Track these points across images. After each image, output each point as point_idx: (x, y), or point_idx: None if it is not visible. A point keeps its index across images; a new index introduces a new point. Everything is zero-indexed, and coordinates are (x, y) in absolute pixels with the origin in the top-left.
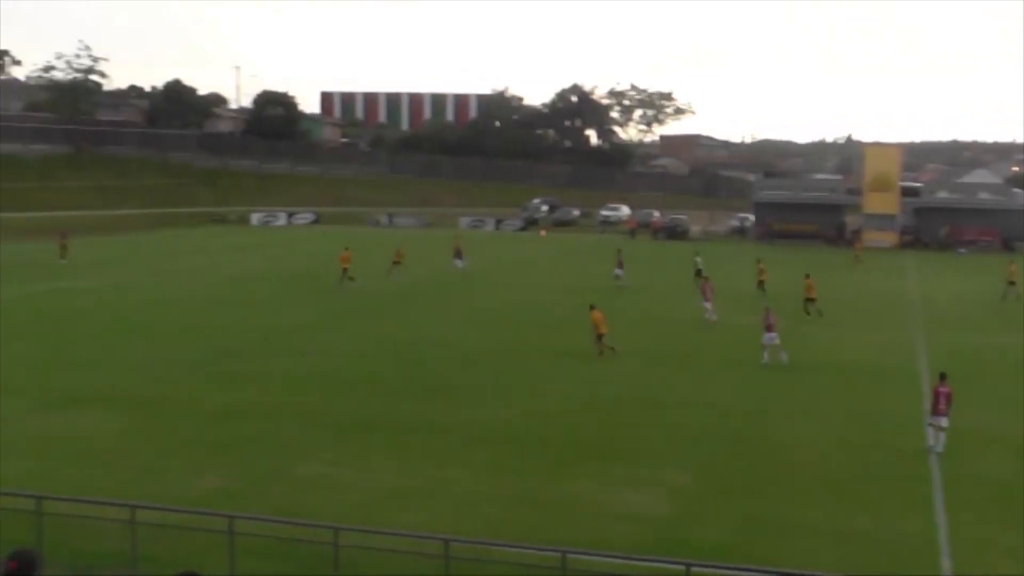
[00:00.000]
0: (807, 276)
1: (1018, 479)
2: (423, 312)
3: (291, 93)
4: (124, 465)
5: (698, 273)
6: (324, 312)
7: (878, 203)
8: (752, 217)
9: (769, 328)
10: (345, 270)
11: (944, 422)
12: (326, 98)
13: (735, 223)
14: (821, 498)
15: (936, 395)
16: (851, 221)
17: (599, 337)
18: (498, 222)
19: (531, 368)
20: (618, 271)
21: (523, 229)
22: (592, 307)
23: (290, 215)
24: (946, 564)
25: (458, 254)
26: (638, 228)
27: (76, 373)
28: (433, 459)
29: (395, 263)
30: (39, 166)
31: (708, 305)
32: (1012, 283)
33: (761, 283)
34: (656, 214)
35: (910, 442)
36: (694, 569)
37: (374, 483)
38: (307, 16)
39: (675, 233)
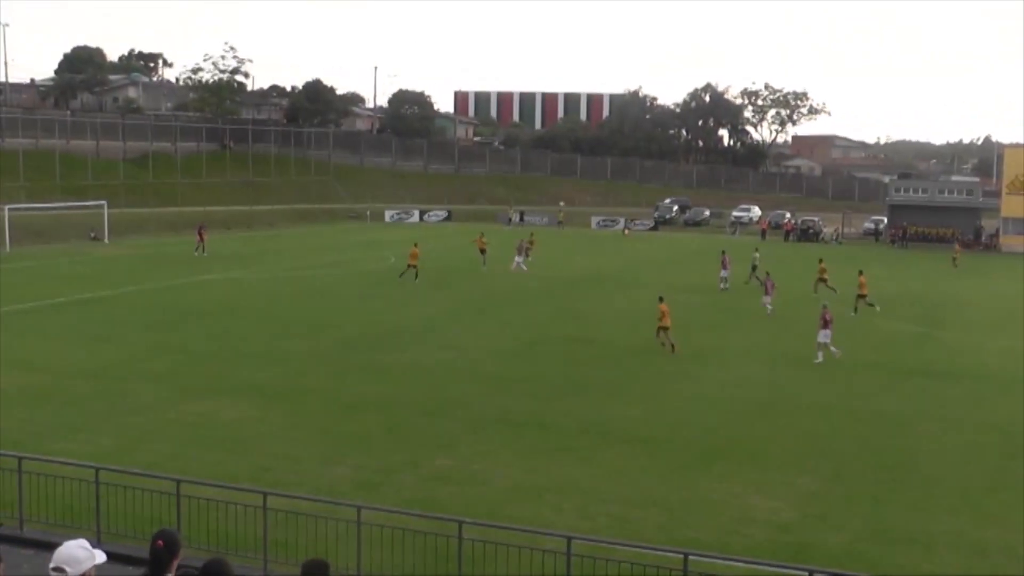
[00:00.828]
0: (860, 273)
1: None
2: (554, 309)
3: (426, 92)
4: (260, 453)
5: (753, 269)
6: (456, 307)
7: (1017, 206)
8: (886, 220)
9: (825, 325)
10: (411, 266)
11: None
12: (460, 97)
13: (869, 225)
14: (950, 508)
15: None
16: (988, 225)
17: (662, 330)
18: (628, 222)
19: (659, 368)
20: (723, 273)
21: (654, 229)
22: (660, 299)
23: (422, 212)
24: None
25: (521, 251)
26: (769, 229)
27: (217, 364)
28: (561, 456)
29: (410, 265)
30: (186, 163)
31: (767, 299)
32: None
33: (823, 281)
34: (788, 215)
35: None
36: (816, 575)
37: (501, 478)
38: (444, 15)
39: (807, 235)
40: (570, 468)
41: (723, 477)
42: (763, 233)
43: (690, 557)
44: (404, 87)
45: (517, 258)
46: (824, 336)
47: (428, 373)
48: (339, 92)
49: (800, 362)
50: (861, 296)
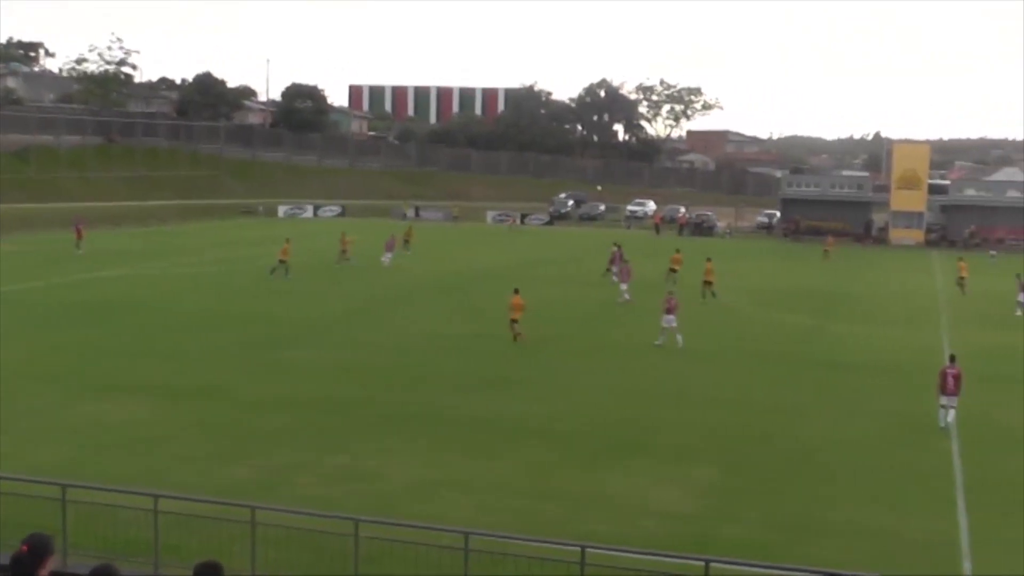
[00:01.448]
0: (708, 260)
1: None
2: (452, 304)
3: (320, 86)
4: (156, 454)
5: (611, 262)
6: (354, 303)
7: (905, 200)
8: (779, 214)
9: (669, 311)
10: (282, 262)
11: (953, 401)
12: (354, 91)
13: (762, 219)
14: (846, 497)
15: (944, 376)
16: (878, 218)
17: (513, 322)
18: (523, 216)
19: (558, 362)
20: (613, 268)
21: (549, 223)
22: (516, 291)
23: (316, 208)
24: (967, 565)
25: (391, 247)
26: (663, 223)
27: (108, 363)
28: (460, 452)
29: (281, 260)
30: (71, 157)
31: (624, 287)
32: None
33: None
34: (682, 210)
35: (935, 441)
36: (713, 565)
37: (399, 475)
38: (336, 10)
39: (701, 229)
40: (468, 464)
41: (622, 470)
42: (657, 227)
43: (588, 550)
44: (297, 80)
45: (387, 254)
46: (667, 321)
47: (327, 370)
48: (230, 85)
49: (697, 355)
50: (707, 283)
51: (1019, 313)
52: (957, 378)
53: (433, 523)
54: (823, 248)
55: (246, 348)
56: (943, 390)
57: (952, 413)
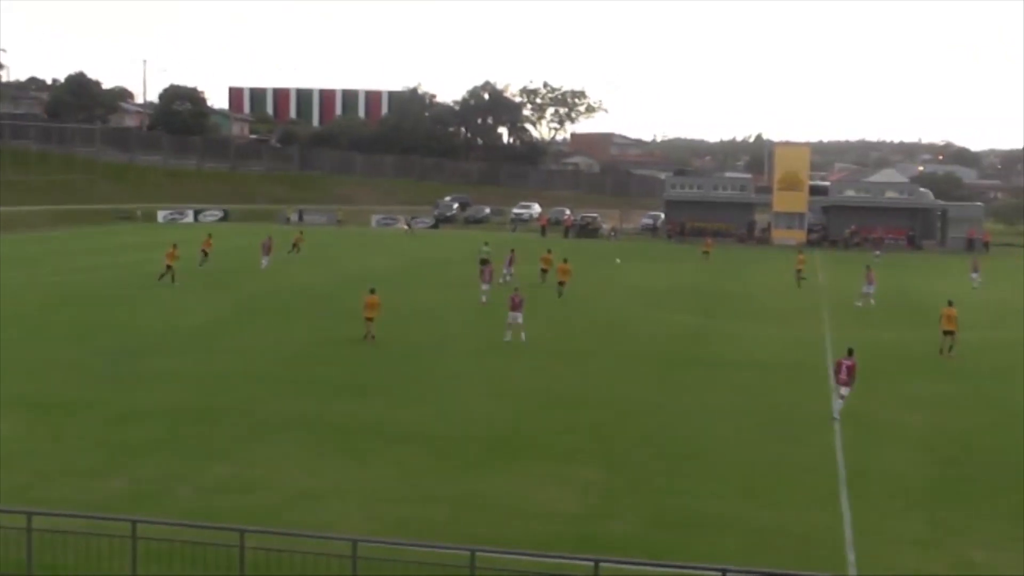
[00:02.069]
0: (565, 260)
1: (920, 472)
2: (335, 308)
3: (199, 88)
4: (24, 470)
5: (483, 262)
6: (232, 310)
7: (787, 201)
8: (663, 215)
9: (514, 308)
10: (169, 267)
11: (844, 391)
12: (235, 93)
13: (647, 221)
14: (730, 493)
15: (838, 366)
16: (761, 219)
17: (367, 320)
18: (410, 220)
19: (442, 366)
20: (506, 271)
21: (434, 227)
22: (372, 291)
23: (197, 212)
24: (850, 557)
25: (267, 250)
26: (549, 225)
27: None
28: (343, 459)
29: (168, 266)
30: None
31: (485, 287)
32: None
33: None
34: (567, 212)
35: (817, 436)
36: (603, 565)
37: (284, 484)
38: (215, 9)
39: (586, 231)
40: (355, 470)
41: (507, 472)
42: (543, 229)
43: (477, 553)
44: (176, 82)
45: (264, 258)
46: (512, 318)
47: (206, 378)
48: (105, 86)
49: (578, 355)
50: (561, 283)
51: (859, 304)
52: (851, 369)
53: (320, 531)
54: (702, 249)
55: (117, 358)
56: (837, 380)
57: (839, 404)
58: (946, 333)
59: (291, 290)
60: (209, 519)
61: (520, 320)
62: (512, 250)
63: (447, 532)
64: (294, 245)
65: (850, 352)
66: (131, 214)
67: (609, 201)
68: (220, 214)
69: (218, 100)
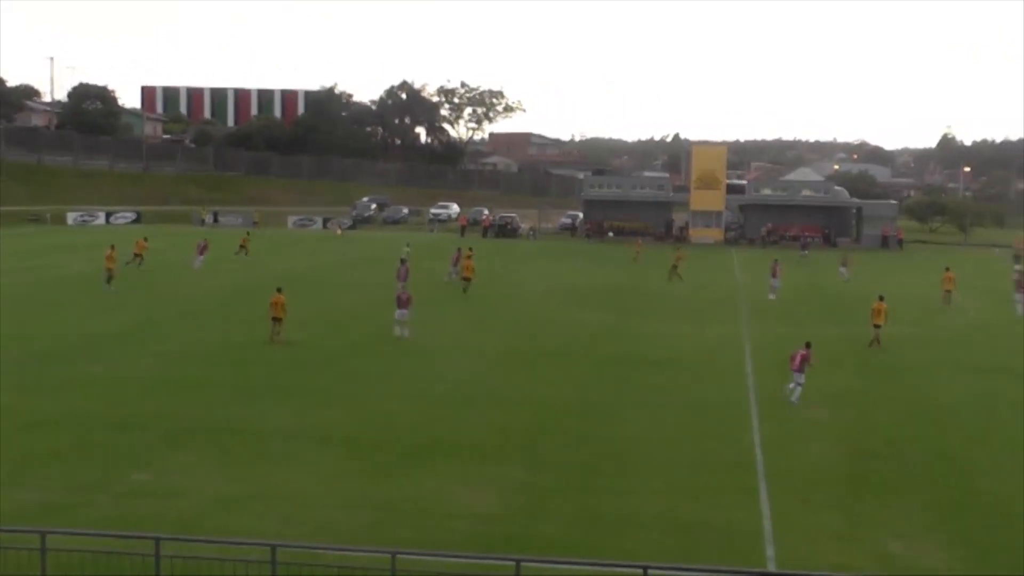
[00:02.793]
0: (470, 249)
1: (839, 467)
2: (255, 311)
3: (110, 87)
4: None
5: (402, 262)
6: (155, 312)
7: (704, 200)
8: (582, 215)
9: (401, 305)
10: (110, 269)
11: (799, 378)
12: (147, 92)
13: (566, 221)
14: (656, 490)
15: (794, 356)
16: (678, 218)
17: (274, 320)
18: (325, 221)
19: (362, 368)
20: (453, 269)
21: (352, 228)
22: (279, 290)
23: (109, 214)
24: (770, 551)
25: (202, 250)
26: (468, 225)
27: None
28: (264, 463)
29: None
30: None
31: (401, 284)
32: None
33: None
34: (486, 212)
35: (738, 432)
36: (525, 564)
37: (202, 490)
38: (127, 7)
39: (505, 231)
40: (274, 475)
41: (429, 473)
42: (462, 230)
43: (398, 556)
44: (85, 81)
45: (198, 258)
46: (400, 315)
47: (124, 384)
48: (10, 84)
49: (499, 356)
50: (466, 279)
51: (772, 297)
52: (804, 359)
53: (238, 538)
54: (632, 256)
55: (25, 365)
56: (791, 367)
57: (798, 391)
58: (876, 326)
59: (211, 293)
60: (125, 528)
61: (407, 317)
62: (459, 249)
63: (369, 536)
64: (241, 246)
65: (807, 345)
66: (40, 216)
67: (527, 201)
68: (133, 216)
69: (130, 99)
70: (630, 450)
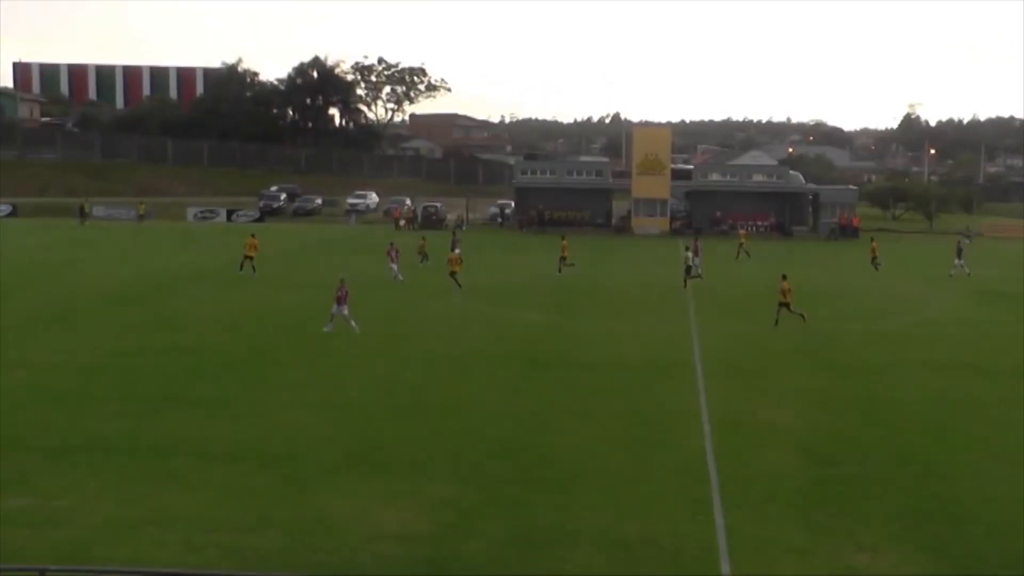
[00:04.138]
0: (391, 243)
1: (797, 474)
2: (146, 313)
3: None
4: None
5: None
6: (27, 317)
7: (648, 187)
8: (513, 204)
9: (339, 300)
10: None
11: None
12: (21, 69)
13: (494, 210)
14: (592, 504)
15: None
16: (619, 206)
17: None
18: (230, 213)
19: (268, 376)
20: (393, 267)
21: (259, 220)
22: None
23: None
24: (725, 566)
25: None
26: (401, 218)
27: None
28: (159, 483)
29: None
30: None
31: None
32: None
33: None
34: (408, 201)
35: (686, 439)
36: None
37: (90, 514)
38: None
39: (430, 222)
40: (171, 495)
41: (347, 491)
42: (396, 222)
43: None
44: None
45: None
46: (337, 310)
47: None
48: None
49: (425, 360)
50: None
51: (699, 276)
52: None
53: (134, 566)
54: (559, 257)
55: None
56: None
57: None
58: (782, 304)
59: (90, 294)
60: (4, 558)
61: (346, 312)
62: (423, 237)
63: (284, 560)
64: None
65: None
66: None
67: (453, 189)
68: (7, 209)
69: (1, 78)
70: (568, 460)
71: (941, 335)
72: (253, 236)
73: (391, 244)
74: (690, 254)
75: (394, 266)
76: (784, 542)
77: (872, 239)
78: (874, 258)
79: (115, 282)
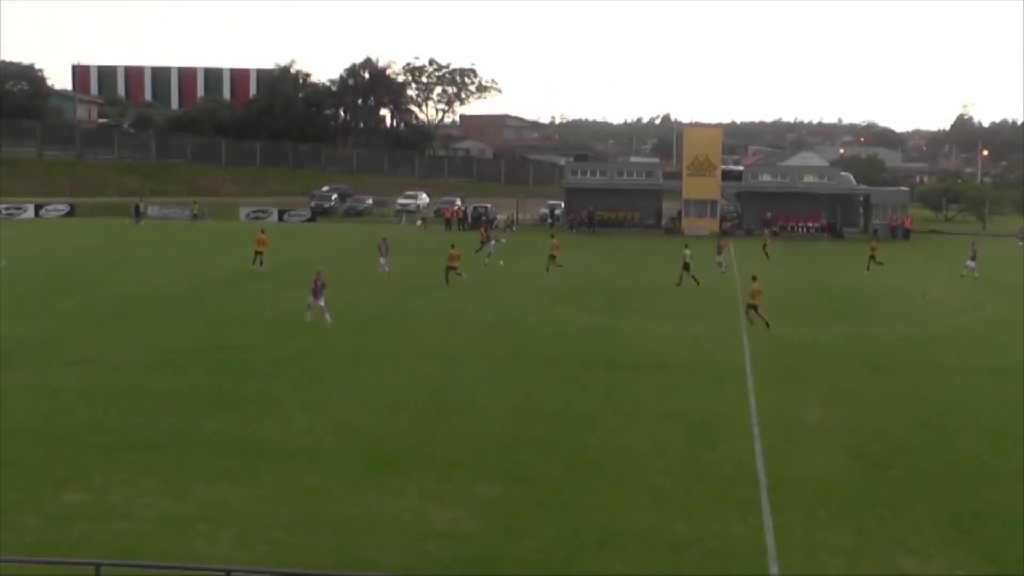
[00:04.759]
0: (383, 239)
1: (844, 476)
2: (201, 313)
3: (37, 65)
4: None
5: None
6: (86, 314)
7: (698, 188)
8: (563, 204)
9: (315, 292)
10: None
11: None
12: (80, 71)
13: (544, 211)
14: (640, 505)
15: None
16: (669, 207)
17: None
18: (282, 213)
19: (321, 375)
20: (382, 260)
21: (311, 220)
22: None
23: (38, 207)
24: (774, 568)
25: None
26: (452, 218)
27: None
28: (212, 480)
29: None
30: None
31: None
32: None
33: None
34: (459, 202)
35: (735, 441)
36: None
37: (145, 509)
38: None
39: (480, 222)
40: (224, 492)
41: (398, 490)
42: (448, 222)
43: None
44: (7, 59)
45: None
46: (313, 301)
47: (53, 394)
48: None
49: (475, 360)
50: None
51: (722, 271)
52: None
53: (187, 562)
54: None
55: None
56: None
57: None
58: (751, 307)
59: (144, 293)
60: (58, 553)
61: (323, 303)
62: (394, 234)
63: (333, 558)
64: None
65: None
66: None
67: (503, 189)
68: (66, 209)
69: (60, 80)
70: (617, 460)
71: (992, 337)
72: (263, 232)
73: (383, 240)
74: (689, 251)
75: (382, 260)
76: (833, 545)
77: (873, 241)
78: (872, 257)
79: (169, 281)
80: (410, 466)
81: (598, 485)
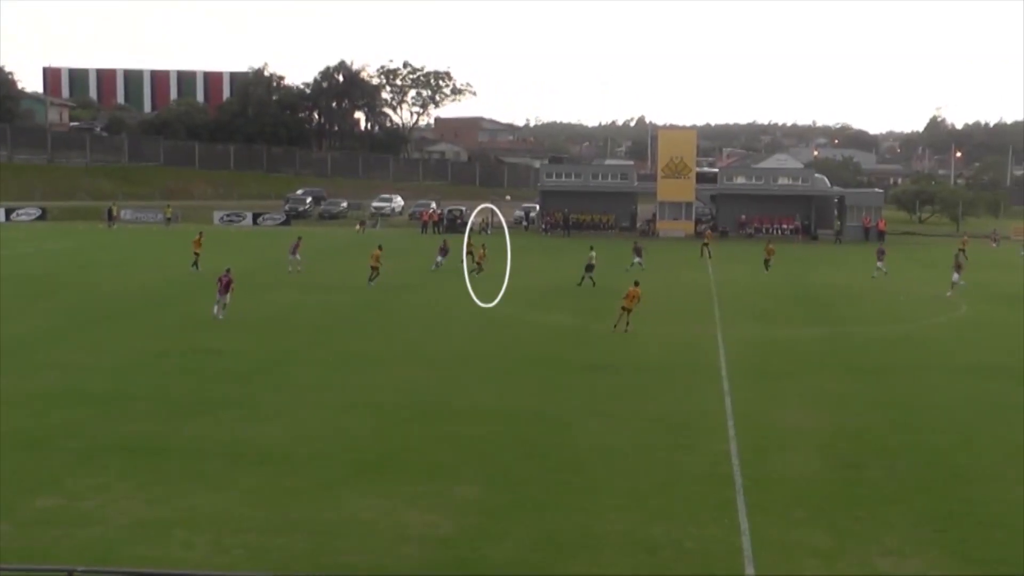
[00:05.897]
0: (379, 247)
1: (820, 477)
2: (177, 316)
3: (7, 68)
4: None
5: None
6: (61, 319)
7: (673, 190)
8: (538, 207)
9: (222, 291)
10: None
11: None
12: (51, 74)
13: (519, 213)
14: (618, 507)
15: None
16: (644, 209)
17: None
18: (256, 216)
19: (298, 379)
20: (371, 268)
21: (285, 223)
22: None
23: (9, 211)
24: (750, 569)
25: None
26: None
27: None
28: (187, 485)
29: None
30: None
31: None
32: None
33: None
34: (434, 205)
35: (711, 442)
36: None
37: (120, 515)
38: None
39: (455, 225)
40: (200, 496)
41: (374, 493)
42: (424, 225)
43: None
44: None
45: None
46: (220, 297)
47: (27, 399)
48: None
49: (452, 362)
50: (374, 268)
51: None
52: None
53: (162, 568)
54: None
55: None
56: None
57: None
58: (624, 310)
59: (119, 297)
60: (32, 559)
61: (227, 300)
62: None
63: (311, 561)
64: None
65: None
66: None
67: (479, 192)
68: (37, 212)
69: (31, 82)
70: (594, 463)
71: (966, 338)
72: (200, 234)
73: (298, 238)
74: (594, 254)
75: (294, 256)
76: (809, 545)
77: (768, 242)
78: (767, 260)
79: (143, 285)
80: (387, 469)
81: (575, 487)
